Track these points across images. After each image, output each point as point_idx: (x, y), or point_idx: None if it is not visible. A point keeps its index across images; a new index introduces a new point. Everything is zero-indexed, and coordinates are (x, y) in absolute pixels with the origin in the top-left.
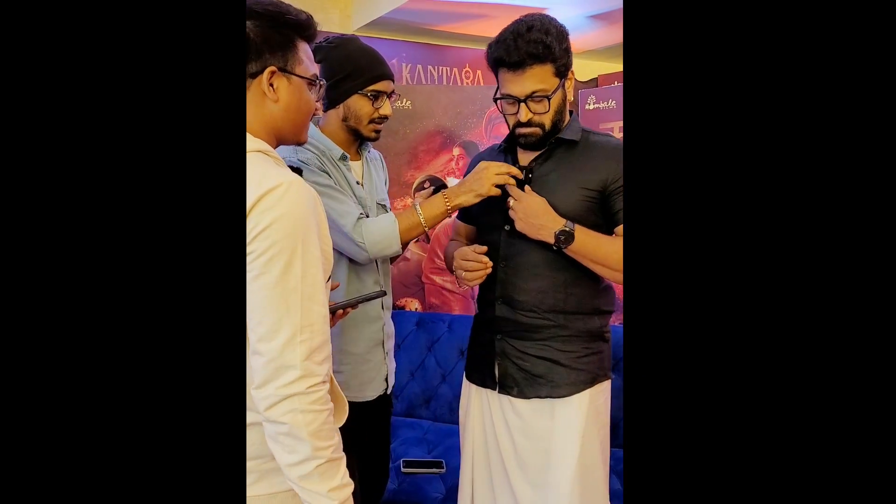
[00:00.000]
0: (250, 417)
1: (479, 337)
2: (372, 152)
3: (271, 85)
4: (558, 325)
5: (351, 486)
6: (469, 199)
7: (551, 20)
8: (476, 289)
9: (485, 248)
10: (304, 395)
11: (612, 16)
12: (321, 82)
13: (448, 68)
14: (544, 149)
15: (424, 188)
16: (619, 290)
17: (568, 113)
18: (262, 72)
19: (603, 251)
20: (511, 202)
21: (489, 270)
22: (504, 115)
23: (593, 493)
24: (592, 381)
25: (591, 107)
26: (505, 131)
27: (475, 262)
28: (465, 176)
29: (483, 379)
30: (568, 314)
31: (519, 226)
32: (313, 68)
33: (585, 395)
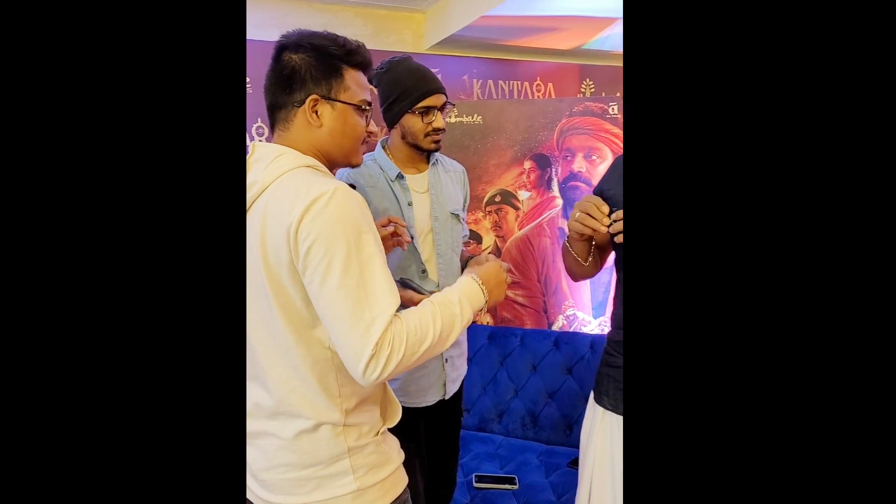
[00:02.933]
0: (306, 424)
1: (616, 359)
2: (454, 165)
3: (315, 112)
4: None
5: (466, 300)
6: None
7: None
8: (548, 304)
9: (607, 208)
10: (393, 356)
11: None
12: (367, 107)
13: (519, 82)
14: None
15: (496, 202)
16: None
17: None
18: (305, 100)
19: None
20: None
21: (602, 228)
22: None
23: None
24: None
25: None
26: (577, 143)
27: (596, 210)
28: (599, 182)
29: (613, 404)
30: None
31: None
32: (362, 94)
33: None
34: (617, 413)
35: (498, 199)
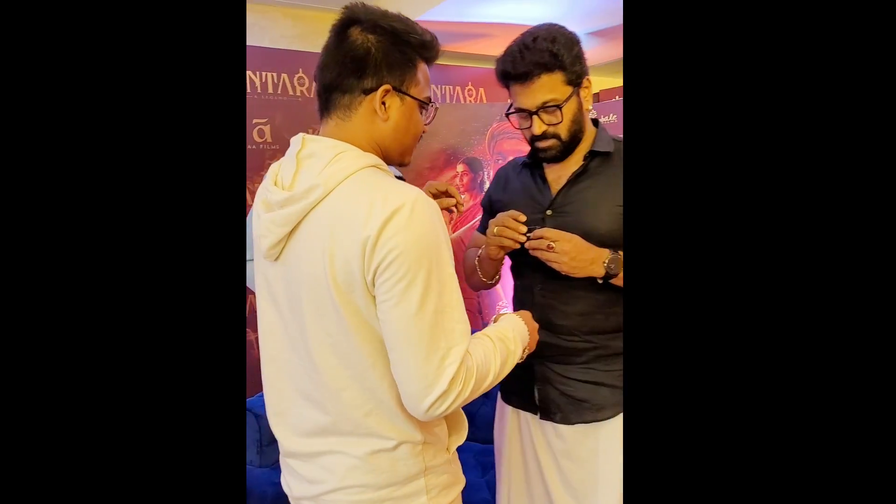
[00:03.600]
0: (386, 443)
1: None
2: (394, 171)
3: (383, 103)
4: (600, 346)
5: (517, 336)
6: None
7: (559, 28)
8: (482, 304)
9: (524, 217)
10: (461, 394)
11: (612, 32)
12: (435, 105)
13: (451, 87)
14: (576, 164)
15: None
16: None
17: (591, 123)
18: (377, 89)
19: None
20: (549, 244)
21: (522, 239)
22: (521, 130)
23: None
24: None
25: None
26: (508, 147)
27: (513, 223)
28: (487, 190)
29: (522, 403)
30: (609, 333)
31: (566, 268)
32: (428, 90)
33: None
34: (526, 411)
35: None
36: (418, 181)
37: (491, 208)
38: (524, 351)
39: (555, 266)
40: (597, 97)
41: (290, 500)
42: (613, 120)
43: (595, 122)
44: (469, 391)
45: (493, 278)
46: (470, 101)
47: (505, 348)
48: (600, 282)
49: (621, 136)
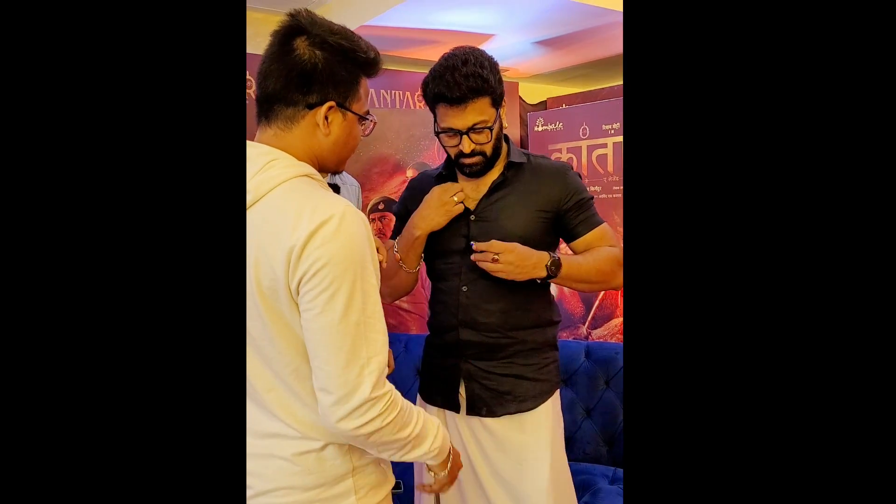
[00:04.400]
0: (313, 444)
1: (438, 361)
2: (350, 179)
3: (326, 118)
4: (520, 341)
5: (440, 428)
6: (422, 237)
7: (482, 53)
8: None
9: (460, 186)
10: (380, 416)
11: (559, 42)
12: (372, 119)
13: (400, 92)
14: (495, 175)
15: (379, 209)
16: (569, 303)
17: (504, 139)
18: (321, 104)
19: (584, 269)
20: (493, 257)
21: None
22: (445, 147)
23: (566, 494)
24: (551, 390)
25: (540, 128)
26: None
27: (452, 194)
28: (400, 198)
29: (446, 402)
30: (528, 329)
31: (511, 276)
32: (367, 104)
33: (549, 403)
34: (450, 410)
35: (381, 206)
36: (367, 185)
37: (407, 217)
38: (436, 454)
39: (500, 275)
40: (543, 105)
41: None
42: (560, 128)
43: (505, 137)
44: (387, 422)
45: (417, 265)
46: (419, 106)
47: (427, 428)
48: (539, 282)
49: (559, 146)
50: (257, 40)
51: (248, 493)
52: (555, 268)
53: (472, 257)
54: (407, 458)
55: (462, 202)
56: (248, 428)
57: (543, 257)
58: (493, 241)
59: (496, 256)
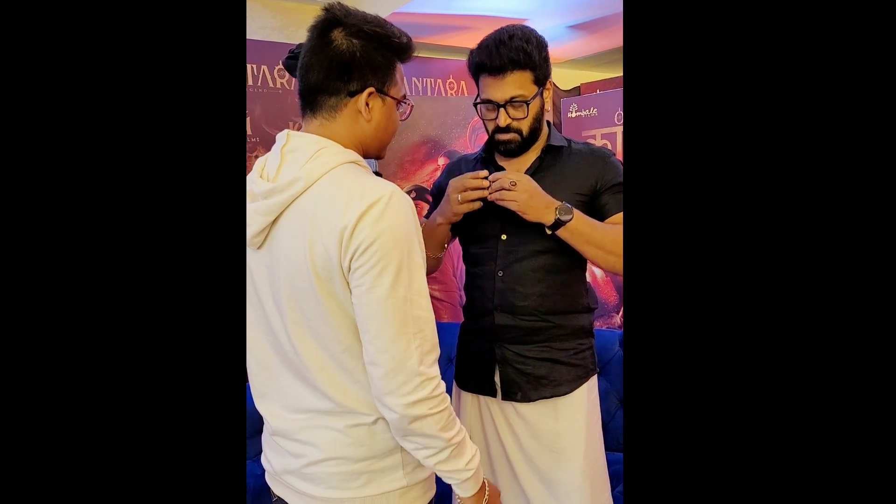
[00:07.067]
0: (365, 419)
1: (474, 346)
2: (373, 165)
3: (367, 104)
4: (557, 326)
5: (478, 452)
6: (444, 227)
7: (532, 31)
8: (464, 297)
9: (485, 173)
10: (428, 400)
11: (593, 25)
12: (410, 102)
13: (432, 79)
14: (532, 158)
15: (411, 198)
16: (603, 293)
17: (546, 123)
18: (361, 91)
19: (599, 232)
20: (507, 184)
21: (485, 194)
22: (483, 120)
23: (600, 483)
24: (587, 376)
25: (574, 115)
26: None
27: (474, 182)
28: (437, 181)
29: (481, 386)
30: (564, 314)
31: (521, 206)
32: (404, 89)
33: (583, 389)
34: (484, 395)
35: (412, 195)
36: (399, 173)
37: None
38: (472, 474)
39: (511, 205)
40: (577, 91)
41: (266, 477)
42: (595, 114)
43: (548, 122)
44: (438, 410)
45: (440, 252)
46: (451, 93)
47: (467, 440)
48: (549, 232)
49: (593, 132)
50: (290, 30)
51: (302, 461)
52: (563, 214)
53: (489, 189)
54: (444, 467)
55: (479, 199)
56: (300, 406)
57: (554, 202)
58: (506, 172)
59: (514, 182)
